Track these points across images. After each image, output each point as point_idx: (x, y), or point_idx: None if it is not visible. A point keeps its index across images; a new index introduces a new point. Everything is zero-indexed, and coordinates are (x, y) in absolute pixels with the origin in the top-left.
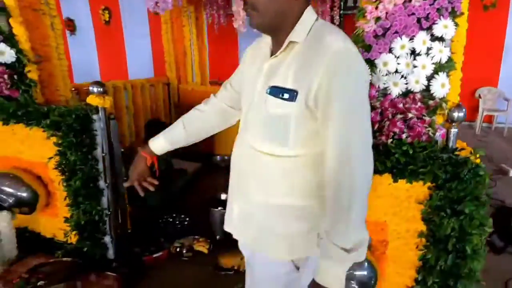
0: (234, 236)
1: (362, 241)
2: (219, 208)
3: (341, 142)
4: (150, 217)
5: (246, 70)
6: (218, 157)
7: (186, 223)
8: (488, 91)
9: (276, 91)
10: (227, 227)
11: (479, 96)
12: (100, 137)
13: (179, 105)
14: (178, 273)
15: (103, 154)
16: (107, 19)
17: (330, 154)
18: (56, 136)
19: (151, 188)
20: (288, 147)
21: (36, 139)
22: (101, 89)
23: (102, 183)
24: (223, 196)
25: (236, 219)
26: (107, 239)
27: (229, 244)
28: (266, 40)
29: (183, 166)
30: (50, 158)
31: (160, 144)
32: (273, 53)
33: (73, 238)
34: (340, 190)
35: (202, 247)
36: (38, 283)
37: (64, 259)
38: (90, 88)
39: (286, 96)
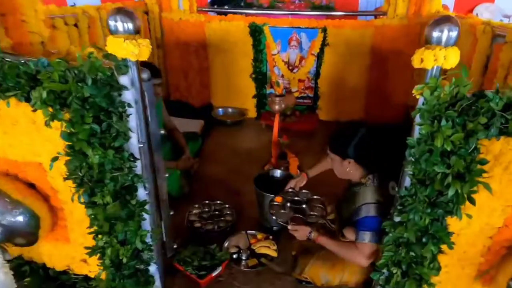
0: None
1: None
2: (288, 191)
3: None
4: (177, 214)
5: None
6: (220, 110)
7: (228, 212)
8: (485, 9)
9: None
10: None
11: (477, 15)
12: (135, 116)
13: (163, 41)
14: None
15: (141, 145)
16: None
17: None
18: (60, 119)
19: None
20: None
21: (21, 123)
22: (132, 25)
23: (142, 192)
24: (276, 173)
25: None
26: (152, 268)
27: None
28: None
29: (188, 128)
30: (55, 158)
31: None
32: None
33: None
34: None
35: (267, 249)
36: None
37: None
38: (111, 22)
39: None
